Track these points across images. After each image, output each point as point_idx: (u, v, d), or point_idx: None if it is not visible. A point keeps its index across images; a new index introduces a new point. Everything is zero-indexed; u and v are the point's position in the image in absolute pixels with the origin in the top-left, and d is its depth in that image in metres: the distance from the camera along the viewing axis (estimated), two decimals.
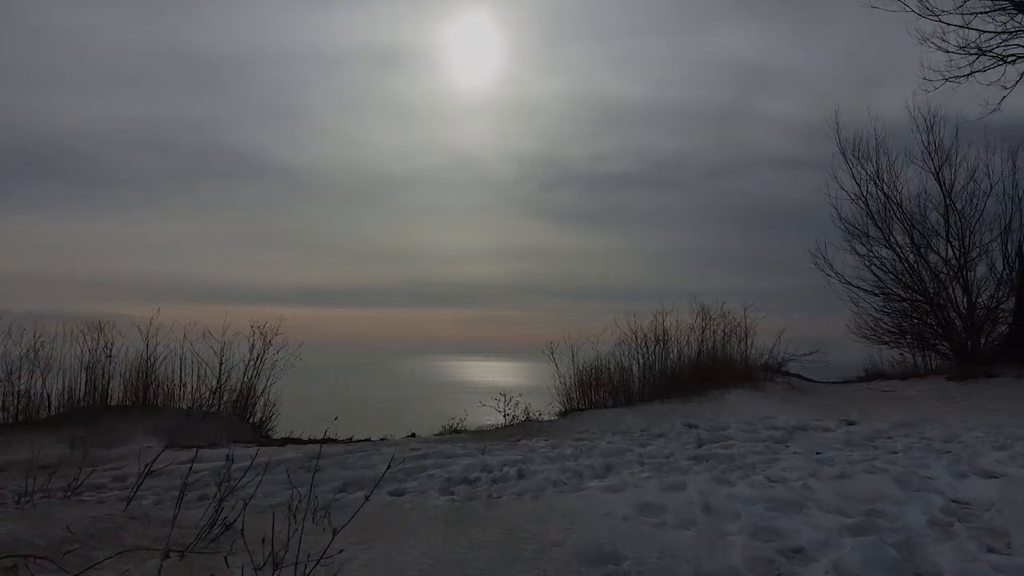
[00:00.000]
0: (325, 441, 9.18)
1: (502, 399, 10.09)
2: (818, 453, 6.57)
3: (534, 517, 4.22)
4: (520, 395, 10.34)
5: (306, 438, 9.51)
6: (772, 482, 5.02)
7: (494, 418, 10.14)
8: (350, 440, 9.04)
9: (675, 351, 12.17)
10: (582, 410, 10.81)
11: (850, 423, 8.78)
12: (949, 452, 6.12)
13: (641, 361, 11.74)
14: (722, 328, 13.00)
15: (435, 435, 9.42)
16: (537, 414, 10.24)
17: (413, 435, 9.63)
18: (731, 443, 7.17)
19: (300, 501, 4.65)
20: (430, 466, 6.11)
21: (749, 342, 13.66)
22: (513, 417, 10.01)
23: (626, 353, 11.56)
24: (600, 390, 11.03)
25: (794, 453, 6.59)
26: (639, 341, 11.89)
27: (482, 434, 9.13)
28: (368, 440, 8.97)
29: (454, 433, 9.47)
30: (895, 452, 6.27)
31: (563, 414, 10.81)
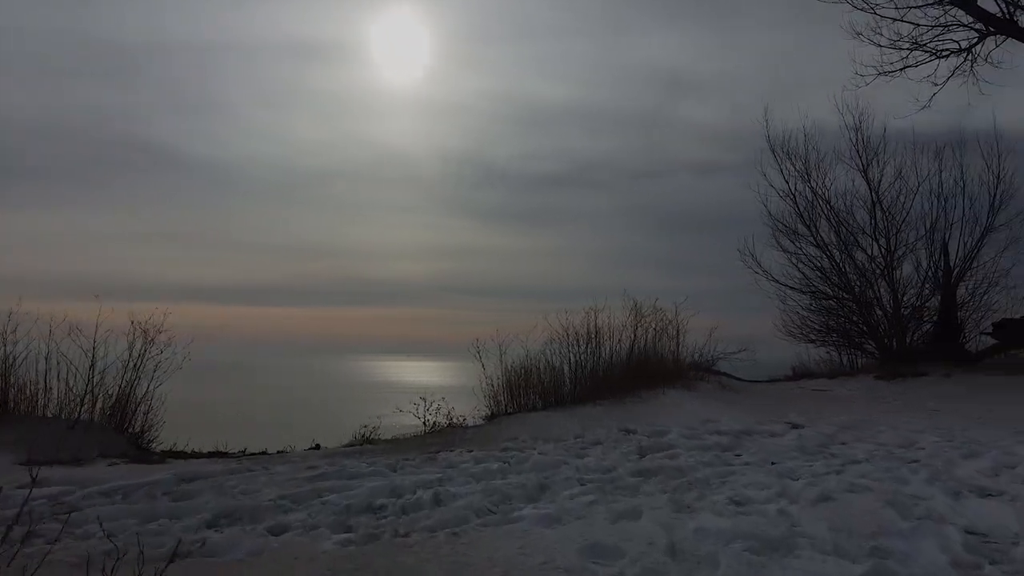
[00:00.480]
0: (213, 455, 7.85)
1: (422, 403, 9.00)
2: (773, 463, 5.81)
3: (451, 570, 3.20)
4: (443, 398, 9.27)
5: (192, 451, 8.14)
6: (739, 505, 4.17)
7: (413, 424, 9.04)
8: (242, 454, 7.74)
9: (607, 350, 11.37)
10: (510, 414, 9.83)
11: (795, 426, 8.15)
12: (917, 461, 5.47)
13: (573, 360, 10.87)
14: (654, 326, 12.31)
15: (343, 446, 8.23)
16: (461, 419, 9.20)
17: (317, 447, 8.41)
18: (676, 452, 6.34)
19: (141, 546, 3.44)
20: (327, 489, 4.98)
21: (680, 340, 13.05)
22: (434, 424, 8.94)
23: (557, 352, 10.67)
24: (530, 392, 10.07)
25: (747, 464, 5.80)
26: (570, 339, 11.02)
27: (398, 444, 8.01)
28: (263, 454, 7.70)
29: (366, 443, 8.31)
30: (858, 462, 5.56)
31: (490, 418, 9.81)
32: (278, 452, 7.83)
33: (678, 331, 12.96)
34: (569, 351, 10.97)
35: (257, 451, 7.95)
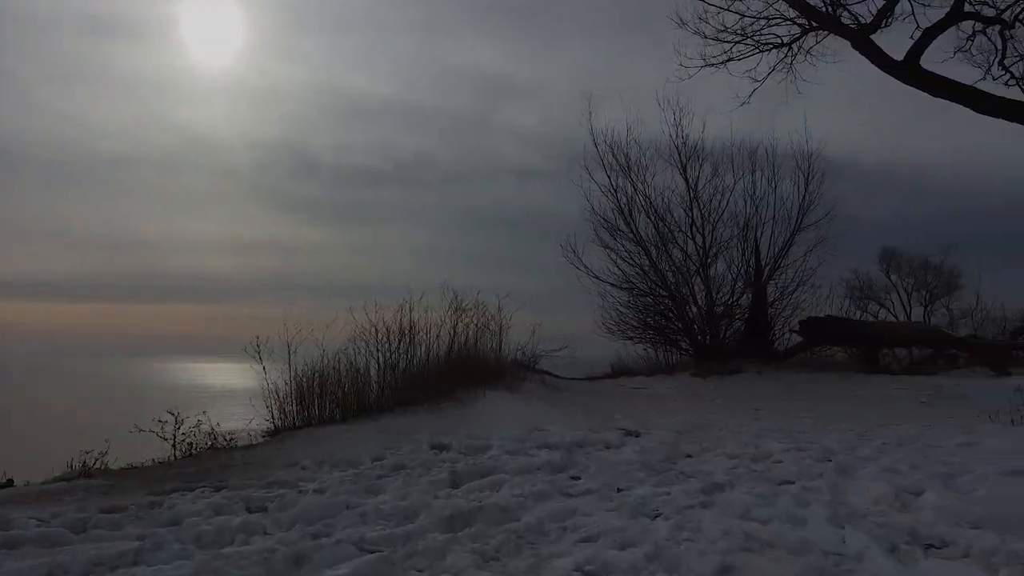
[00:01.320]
0: None
1: (172, 420, 6.75)
2: (619, 490, 4.52)
3: None
4: (204, 412, 7.09)
5: None
6: None
7: (161, 448, 6.77)
8: None
9: (424, 348, 9.75)
10: (299, 428, 7.86)
11: (629, 432, 7.06)
12: (791, 483, 4.43)
13: (382, 361, 9.10)
14: (475, 322, 10.92)
15: (48, 482, 5.82)
16: (229, 439, 7.06)
17: (10, 482, 5.93)
18: (500, 477, 4.85)
19: None
20: None
21: (503, 338, 11.80)
22: (190, 447, 6.73)
23: (363, 351, 8.86)
24: (326, 400, 8.15)
25: (588, 492, 4.45)
26: (380, 337, 9.25)
27: (127, 477, 5.77)
28: None
29: (85, 477, 5.95)
30: (721, 487, 4.41)
31: (273, 434, 7.77)
32: None
33: (500, 327, 11.69)
34: (379, 350, 9.22)
35: None
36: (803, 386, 11.48)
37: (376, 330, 9.18)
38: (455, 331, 10.34)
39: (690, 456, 5.64)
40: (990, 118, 10.13)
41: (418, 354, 9.57)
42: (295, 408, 8.16)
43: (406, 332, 9.38)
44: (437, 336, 9.98)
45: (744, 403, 10.09)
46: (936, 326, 16.95)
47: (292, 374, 8.12)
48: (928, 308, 22.17)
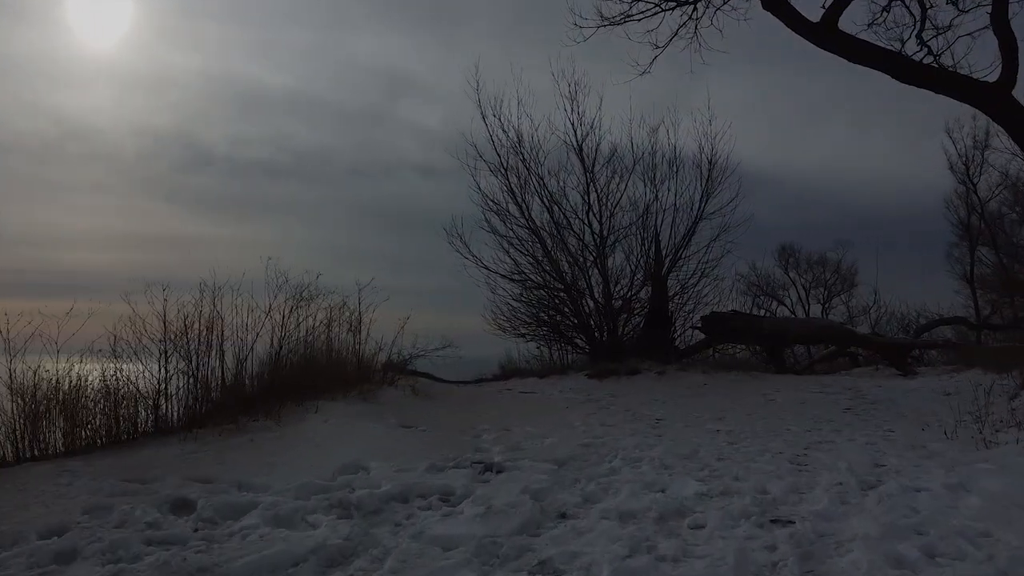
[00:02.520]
0: None
1: None
2: None
3: None
4: None
5: None
6: None
7: None
8: None
9: (237, 349, 7.26)
10: (11, 465, 5.25)
11: (488, 467, 4.94)
12: None
13: (168, 367, 6.55)
14: (320, 317, 8.54)
15: None
16: None
17: None
18: None
19: None
20: None
21: (364, 335, 9.47)
22: None
23: (133, 354, 6.27)
24: (52, 424, 5.53)
25: None
26: (172, 335, 6.70)
27: None
28: None
29: None
30: None
31: None
32: None
33: (360, 324, 9.36)
34: (165, 353, 6.65)
35: None
36: (709, 389, 9.80)
37: (164, 326, 6.62)
38: (286, 327, 7.91)
39: (564, 517, 3.56)
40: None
41: (227, 358, 7.08)
42: (27, 434, 5.54)
43: (206, 328, 6.86)
44: (258, 335, 7.53)
45: (645, 410, 8.23)
46: (840, 323, 15.94)
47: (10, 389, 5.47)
48: (826, 305, 21.62)
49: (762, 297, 19.34)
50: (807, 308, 21.25)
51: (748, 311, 14.28)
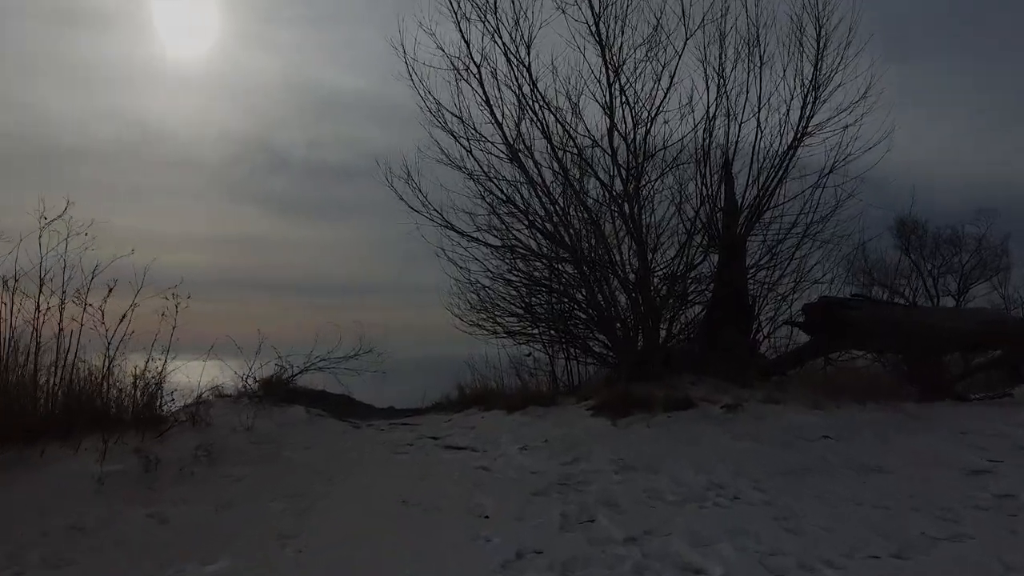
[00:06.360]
0: None
1: None
2: None
3: None
4: None
5: None
6: None
7: None
8: None
9: None
10: None
11: None
12: None
13: None
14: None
15: None
16: None
17: None
18: None
19: None
20: None
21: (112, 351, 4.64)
22: None
23: None
24: None
25: None
26: None
27: None
28: None
29: None
30: None
31: None
32: None
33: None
34: None
35: None
36: (835, 448, 4.36)
37: None
38: None
39: None
40: None
41: None
42: None
43: None
44: None
45: (701, 538, 2.93)
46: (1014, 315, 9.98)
47: None
48: (960, 299, 15.42)
49: (875, 288, 13.35)
50: (936, 301, 15.16)
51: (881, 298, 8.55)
